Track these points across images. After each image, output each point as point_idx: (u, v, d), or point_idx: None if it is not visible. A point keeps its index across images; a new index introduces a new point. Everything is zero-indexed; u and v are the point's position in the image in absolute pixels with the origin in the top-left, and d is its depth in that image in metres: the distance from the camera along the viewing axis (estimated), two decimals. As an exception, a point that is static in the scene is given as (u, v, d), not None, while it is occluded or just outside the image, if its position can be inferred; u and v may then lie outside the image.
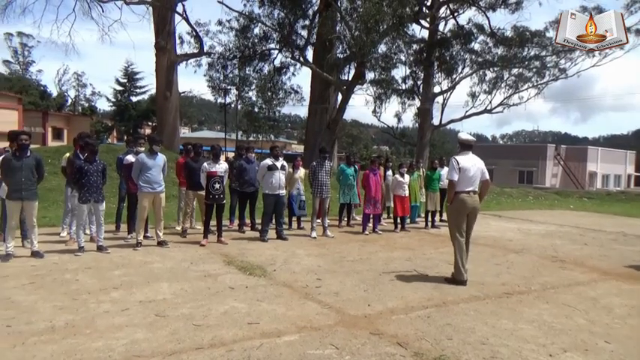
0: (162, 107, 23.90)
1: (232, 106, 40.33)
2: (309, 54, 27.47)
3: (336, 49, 27.00)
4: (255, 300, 5.07)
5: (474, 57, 32.76)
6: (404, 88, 33.56)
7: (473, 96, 33.57)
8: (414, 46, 32.74)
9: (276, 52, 28.36)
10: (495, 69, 32.49)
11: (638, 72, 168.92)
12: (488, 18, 30.94)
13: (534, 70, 31.86)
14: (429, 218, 11.13)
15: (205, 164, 8.15)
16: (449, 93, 33.82)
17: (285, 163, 8.93)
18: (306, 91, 30.45)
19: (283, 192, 8.81)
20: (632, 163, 42.97)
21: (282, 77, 30.98)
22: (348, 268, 6.69)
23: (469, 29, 32.47)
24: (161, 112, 24.43)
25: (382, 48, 26.89)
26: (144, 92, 46.60)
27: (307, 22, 26.59)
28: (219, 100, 36.15)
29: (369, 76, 29.29)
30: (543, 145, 41.21)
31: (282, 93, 32.82)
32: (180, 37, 26.29)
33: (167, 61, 22.99)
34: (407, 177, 10.39)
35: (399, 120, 37.18)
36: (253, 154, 9.71)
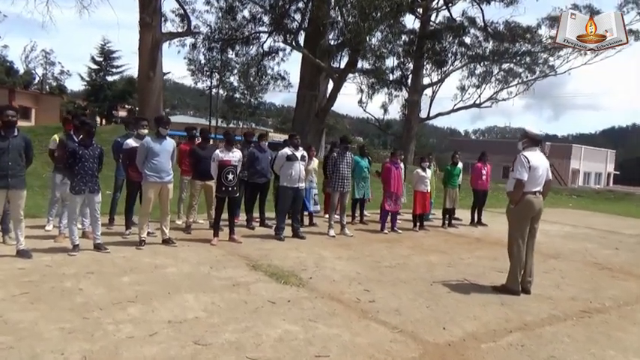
0: (145, 88, 22.45)
1: (212, 91, 38.72)
2: (301, 39, 26.36)
3: (328, 35, 25.98)
4: (308, 320, 4.18)
5: (464, 50, 32.27)
6: (392, 78, 32.86)
7: (462, 89, 33.08)
8: (404, 37, 32.07)
9: (266, 35, 27.03)
10: (486, 63, 32.08)
11: (611, 73, 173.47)
12: (482, 10, 30.39)
13: (525, 65, 31.58)
14: (447, 217, 10.38)
15: (218, 152, 7.15)
16: (438, 85, 33.30)
17: (305, 153, 8.01)
18: (294, 77, 29.48)
19: (303, 185, 7.90)
20: (612, 161, 43.69)
21: (270, 62, 29.77)
22: (391, 276, 5.86)
23: (461, 22, 31.93)
24: (143, 94, 22.96)
25: (378, 36, 25.93)
26: (121, 72, 44.51)
27: (301, 5, 25.39)
28: (199, 84, 34.57)
29: (360, 65, 28.48)
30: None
31: (269, 79, 31.69)
32: (164, 16, 24.79)
33: (152, 39, 21.54)
34: (429, 172, 9.60)
35: (385, 111, 36.53)
36: (266, 142, 8.72)
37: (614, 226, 12.46)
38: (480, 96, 32.92)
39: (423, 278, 5.87)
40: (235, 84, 42.75)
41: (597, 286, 6.11)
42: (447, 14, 31.73)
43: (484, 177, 10.67)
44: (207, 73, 35.15)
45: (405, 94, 33.86)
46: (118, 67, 46.94)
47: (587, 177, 38.44)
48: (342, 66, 26.48)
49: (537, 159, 5.42)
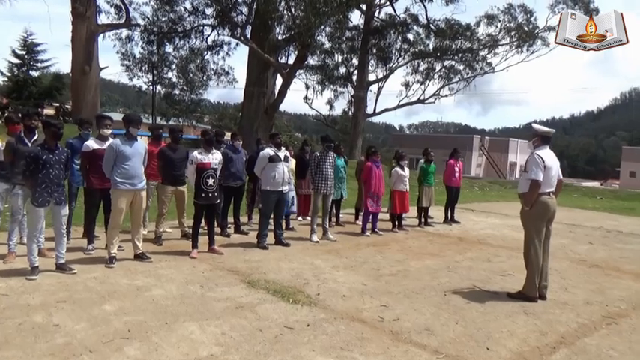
0: (79, 83, 20.76)
1: (153, 87, 36.75)
2: (248, 34, 25.45)
3: (276, 30, 25.27)
4: (340, 349, 3.65)
5: (407, 46, 32.68)
6: (339, 74, 32.69)
7: (407, 86, 33.54)
8: (349, 33, 31.98)
9: (211, 29, 25.83)
10: (429, 60, 32.64)
11: (533, 71, 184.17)
12: (425, 8, 30.80)
13: (465, 63, 32.42)
14: (423, 216, 10.14)
15: (196, 154, 6.40)
16: (383, 81, 33.54)
17: (288, 154, 7.40)
18: (238, 73, 28.50)
19: (287, 188, 7.29)
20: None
21: (214, 57, 28.58)
22: (399, 286, 5.44)
23: (404, 19, 32.26)
24: (78, 89, 21.21)
25: (327, 31, 25.56)
26: (46, 67, 41.00)
27: (249, -1, 24.48)
28: (135, 80, 32.61)
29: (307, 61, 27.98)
30: (469, 136, 42.64)
31: (212, 74, 30.48)
32: (98, 7, 22.99)
33: (86, 30, 19.89)
34: (407, 170, 9.29)
35: (331, 107, 36.42)
36: (239, 142, 8.02)
37: (573, 219, 12.81)
38: (424, 92, 33.53)
39: (432, 287, 5.49)
40: (174, 79, 40.98)
41: (600, 286, 6.00)
42: (391, 11, 31.90)
43: (457, 174, 10.54)
44: (145, 68, 33.24)
45: (350, 90, 33.86)
46: (43, 61, 43.30)
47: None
48: (290, 62, 25.90)
49: (550, 158, 5.18)
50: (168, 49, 30.42)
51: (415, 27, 32.02)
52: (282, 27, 25.24)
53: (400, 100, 33.81)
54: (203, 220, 6.66)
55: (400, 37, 32.12)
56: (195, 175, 6.35)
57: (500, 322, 4.46)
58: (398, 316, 4.45)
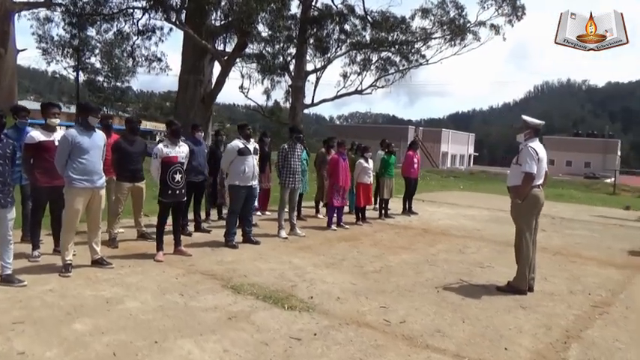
0: (-6, 67, 18.70)
1: (78, 72, 34.17)
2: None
3: (212, 15, 24.20)
4: (358, 359, 3.34)
5: (344, 37, 32.65)
6: (277, 63, 32.03)
7: (344, 76, 33.50)
8: (288, 22, 31.39)
9: (142, 12, 24.25)
10: (366, 51, 32.83)
11: (456, 64, 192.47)
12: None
13: (401, 55, 32.93)
14: (383, 207, 10.03)
15: (161, 146, 5.78)
16: (321, 72, 33.29)
17: (257, 146, 6.93)
18: (172, 60, 27.14)
19: (256, 183, 6.83)
20: (472, 144, 48.38)
21: (145, 42, 26.91)
22: (389, 285, 5.22)
23: (341, 9, 32.16)
24: (-8, 74, 19.11)
25: (267, 18, 24.82)
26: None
27: (183, -20, 23.21)
28: (53, 64, 30.16)
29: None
30: (404, 127, 43.61)
31: (143, 60, 28.76)
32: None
33: (1, 8, 17.91)
34: (371, 162, 9.11)
35: (268, 97, 35.68)
36: (201, 133, 7.43)
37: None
38: (361, 83, 33.68)
39: (421, 284, 5.33)
40: (98, 65, 38.36)
41: (574, 274, 6.15)
42: (329, 1, 31.66)
43: (415, 165, 10.53)
44: (66, 53, 30.79)
45: (288, 80, 33.33)
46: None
47: (453, 159, 42.00)
48: (228, 49, 24.96)
49: (542, 150, 5.16)
50: (92, 32, 28.35)
51: (352, 18, 32.04)
52: (219, 13, 24.24)
53: (338, 91, 33.73)
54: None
55: (338, 28, 32.01)
56: (161, 170, 5.73)
57: (502, 318, 4.36)
58: (403, 318, 4.21)
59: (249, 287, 4.80)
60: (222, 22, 24.39)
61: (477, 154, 50.51)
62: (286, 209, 7.58)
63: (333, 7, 31.62)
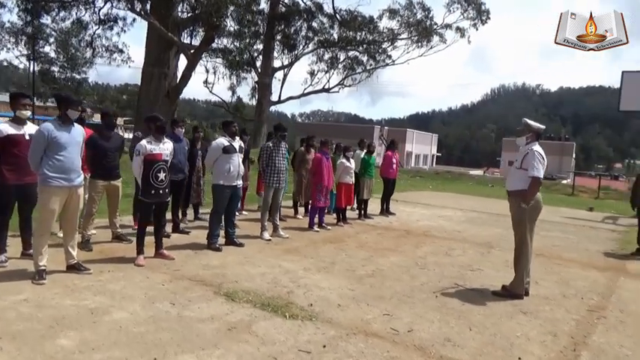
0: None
1: (32, 62, 32.48)
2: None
3: (178, 7, 23.46)
4: (377, 374, 3.15)
5: (312, 34, 32.49)
6: (243, 59, 31.47)
7: (312, 74, 33.38)
8: (253, 17, 30.88)
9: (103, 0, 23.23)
10: (334, 49, 32.76)
11: (418, 65, 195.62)
12: (331, -4, 30.69)
13: (368, 54, 33.04)
14: (362, 208, 9.90)
15: (144, 142, 5.40)
16: (289, 69, 33.01)
17: (242, 144, 6.63)
18: (134, 52, 26.18)
19: (241, 182, 6.53)
20: (435, 144, 49.25)
21: (107, 32, 25.81)
22: (388, 290, 5.07)
23: (309, 7, 31.96)
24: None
25: (236, 12, 24.27)
26: None
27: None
28: (2, 52, 28.63)
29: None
30: (370, 126, 43.80)
31: (104, 51, 27.61)
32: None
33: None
34: (352, 162, 8.95)
35: (234, 93, 35.12)
36: (182, 129, 7.05)
37: (493, 208, 13.49)
38: (328, 81, 33.61)
39: (418, 289, 5.21)
40: (53, 55, 36.66)
41: (562, 277, 6.18)
42: (298, -4, 31.37)
43: (394, 165, 10.46)
44: (20, 40, 29.22)
45: (255, 76, 32.84)
46: None
47: (417, 158, 42.58)
48: (195, 42, 24.28)
49: (544, 154, 5.10)
50: (47, 20, 26.96)
51: (320, 16, 31.90)
52: (186, 4, 23.56)
53: (305, 89, 33.59)
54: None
55: (306, 25, 31.81)
56: (143, 168, 5.36)
57: (507, 325, 4.28)
58: (409, 326, 4.06)
59: (244, 294, 4.53)
60: (190, 15, 23.71)
61: (439, 154, 51.50)
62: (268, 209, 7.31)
63: (302, 3, 31.38)
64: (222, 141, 6.26)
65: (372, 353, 3.47)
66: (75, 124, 4.77)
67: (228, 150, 6.21)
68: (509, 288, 5.15)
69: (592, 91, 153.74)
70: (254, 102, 33.65)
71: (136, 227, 7.16)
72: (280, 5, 31.56)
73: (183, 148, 6.93)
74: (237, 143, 6.40)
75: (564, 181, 31.44)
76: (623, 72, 12.94)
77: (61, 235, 5.69)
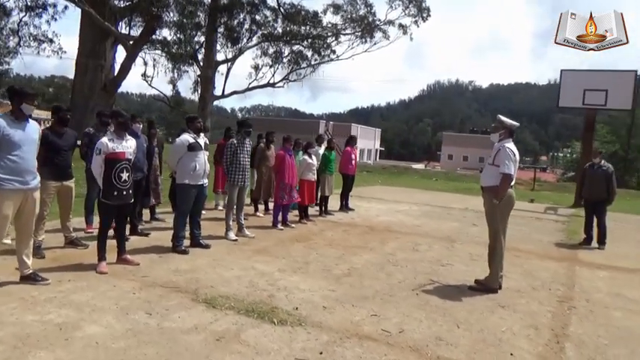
0: None
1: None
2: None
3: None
4: (382, 380, 3.06)
5: (255, 28, 31.95)
6: (184, 51, 30.40)
7: (256, 68, 32.79)
8: (193, 7, 29.89)
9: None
10: (278, 43, 32.40)
11: (358, 60, 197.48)
12: (276, -11, 30.29)
13: (314, 49, 32.94)
14: (323, 205, 9.81)
15: (105, 140, 4.98)
16: (232, 62, 32.25)
17: (207, 141, 6.31)
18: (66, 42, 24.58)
19: (207, 181, 6.22)
20: (378, 139, 50.12)
21: (34, 20, 24.06)
22: (367, 290, 5.00)
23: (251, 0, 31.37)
24: None
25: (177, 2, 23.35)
26: None
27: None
28: None
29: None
30: (315, 120, 43.80)
31: (31, 40, 25.74)
32: None
33: None
34: (315, 159, 8.83)
35: (174, 87, 33.86)
36: (139, 125, 6.62)
37: (443, 202, 13.86)
38: (273, 75, 33.19)
39: (397, 286, 5.19)
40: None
41: (524, 269, 6.40)
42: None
43: (353, 161, 10.45)
44: None
45: (196, 69, 31.85)
46: None
47: (362, 153, 43.10)
48: (133, 33, 23.18)
49: (516, 151, 5.21)
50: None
51: (264, 9, 31.40)
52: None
53: (250, 83, 32.98)
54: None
55: (249, 18, 31.21)
56: (105, 167, 4.95)
57: (491, 321, 4.34)
58: (399, 326, 4.00)
59: (223, 300, 4.30)
60: (128, 3, 22.58)
61: (382, 148, 52.57)
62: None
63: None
64: (187, 137, 5.93)
65: (371, 357, 3.38)
66: (30, 119, 4.32)
67: (193, 147, 5.90)
68: (485, 282, 5.24)
69: (519, 87, 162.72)
70: (196, 96, 32.64)
71: (89, 230, 6.77)
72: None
73: (142, 145, 6.52)
74: (203, 140, 6.09)
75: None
76: (561, 70, 13.59)
77: (8, 241, 5.21)
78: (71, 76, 23.76)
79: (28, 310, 3.84)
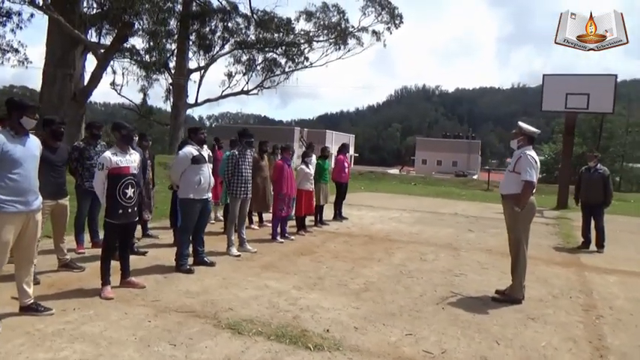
0: None
1: None
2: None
3: (82, 1, 21.50)
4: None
5: (227, 35, 31.59)
6: (155, 60, 29.72)
7: (229, 76, 32.45)
8: (165, 15, 29.28)
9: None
10: (251, 51, 32.11)
11: (329, 67, 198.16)
12: (248, -3, 30.04)
13: (287, 56, 32.77)
14: (319, 214, 9.57)
15: (108, 154, 4.62)
16: (205, 70, 31.78)
17: (210, 153, 5.99)
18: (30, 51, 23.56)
19: (210, 195, 5.89)
20: (353, 144, 50.22)
21: (-2, 28, 22.97)
22: (392, 306, 4.79)
23: (224, 6, 31.02)
24: None
25: (149, 10, 22.76)
26: None
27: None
28: None
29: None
30: (290, 127, 43.46)
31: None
32: None
33: None
34: (312, 168, 8.59)
35: (145, 95, 33.11)
36: (136, 138, 6.23)
37: (430, 207, 13.82)
38: (247, 83, 32.87)
39: (421, 301, 5.00)
40: None
41: (537, 277, 6.30)
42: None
43: (346, 169, 10.27)
44: None
45: (168, 77, 31.22)
46: None
47: (336, 160, 43.09)
48: (103, 41, 22.44)
49: (537, 158, 5.11)
50: None
51: (236, 16, 31.07)
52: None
53: (223, 91, 32.59)
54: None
55: (221, 25, 30.83)
56: (108, 184, 4.59)
57: (527, 335, 4.19)
58: (439, 346, 3.81)
59: (248, 324, 4.00)
60: (98, 11, 21.86)
61: (357, 154, 52.70)
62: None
63: (217, 2, 30.36)
64: (191, 150, 5.60)
65: (424, 384, 3.16)
66: (30, 134, 3.94)
67: (197, 160, 5.57)
68: (509, 293, 5.11)
69: (484, 91, 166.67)
70: (169, 105, 31.95)
71: (80, 251, 6.36)
72: (194, 4, 30.28)
73: (146, 160, 6.15)
74: (206, 152, 5.77)
75: (474, 177, 33.41)
76: (544, 75, 13.81)
77: None
78: (32, 85, 22.90)
79: (37, 346, 3.46)
